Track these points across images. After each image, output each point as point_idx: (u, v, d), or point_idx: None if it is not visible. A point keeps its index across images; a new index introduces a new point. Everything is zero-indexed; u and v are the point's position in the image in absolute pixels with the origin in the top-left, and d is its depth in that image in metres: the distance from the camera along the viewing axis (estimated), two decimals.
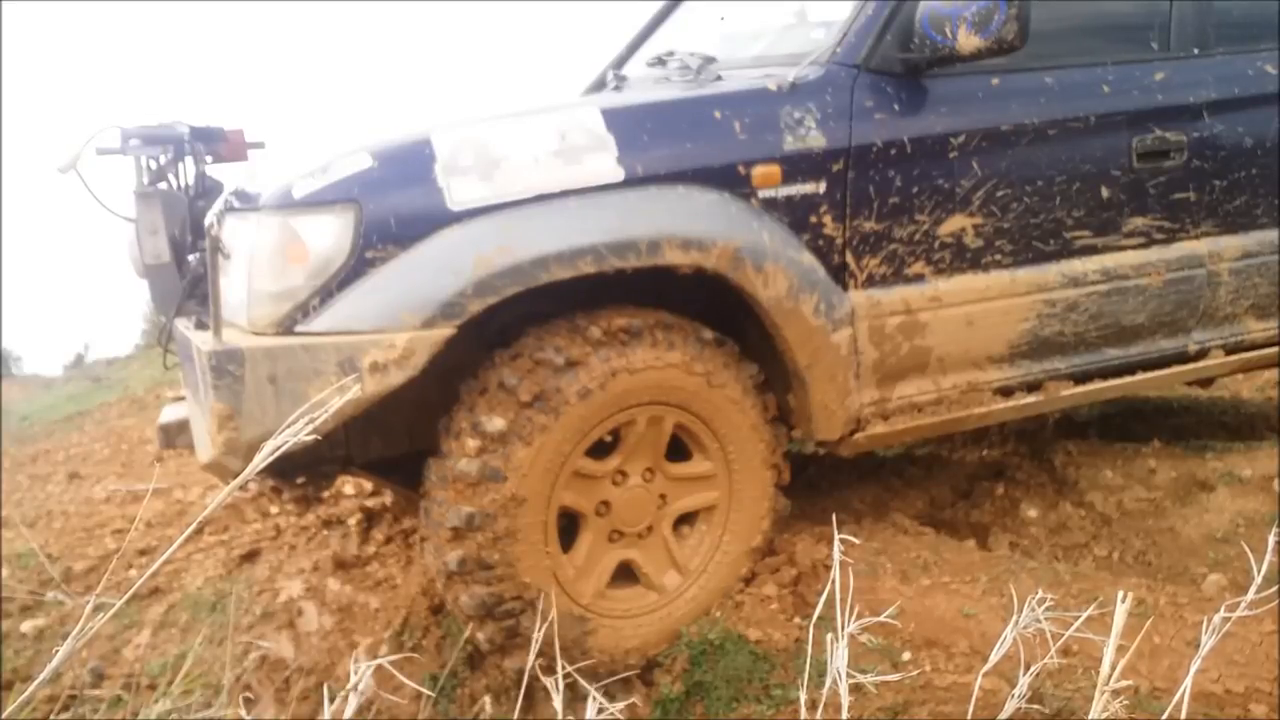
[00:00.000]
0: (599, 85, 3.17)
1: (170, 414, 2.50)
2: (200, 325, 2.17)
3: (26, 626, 2.87)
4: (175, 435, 2.43)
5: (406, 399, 2.00)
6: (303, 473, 2.34)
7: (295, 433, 0.95)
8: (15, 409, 7.42)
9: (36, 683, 0.98)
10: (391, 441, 2.38)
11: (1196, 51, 2.66)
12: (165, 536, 3.41)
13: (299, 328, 1.93)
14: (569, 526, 2.21)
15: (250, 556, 3.13)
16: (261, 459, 0.99)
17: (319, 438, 0.94)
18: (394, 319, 1.90)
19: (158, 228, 2.33)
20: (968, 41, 2.13)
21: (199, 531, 3.30)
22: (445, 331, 1.91)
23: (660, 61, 2.72)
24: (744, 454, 2.25)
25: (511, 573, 2.06)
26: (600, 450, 2.15)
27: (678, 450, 2.26)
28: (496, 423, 2.00)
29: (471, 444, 2.01)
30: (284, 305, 1.94)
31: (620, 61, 3.25)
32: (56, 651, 0.91)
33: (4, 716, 2.13)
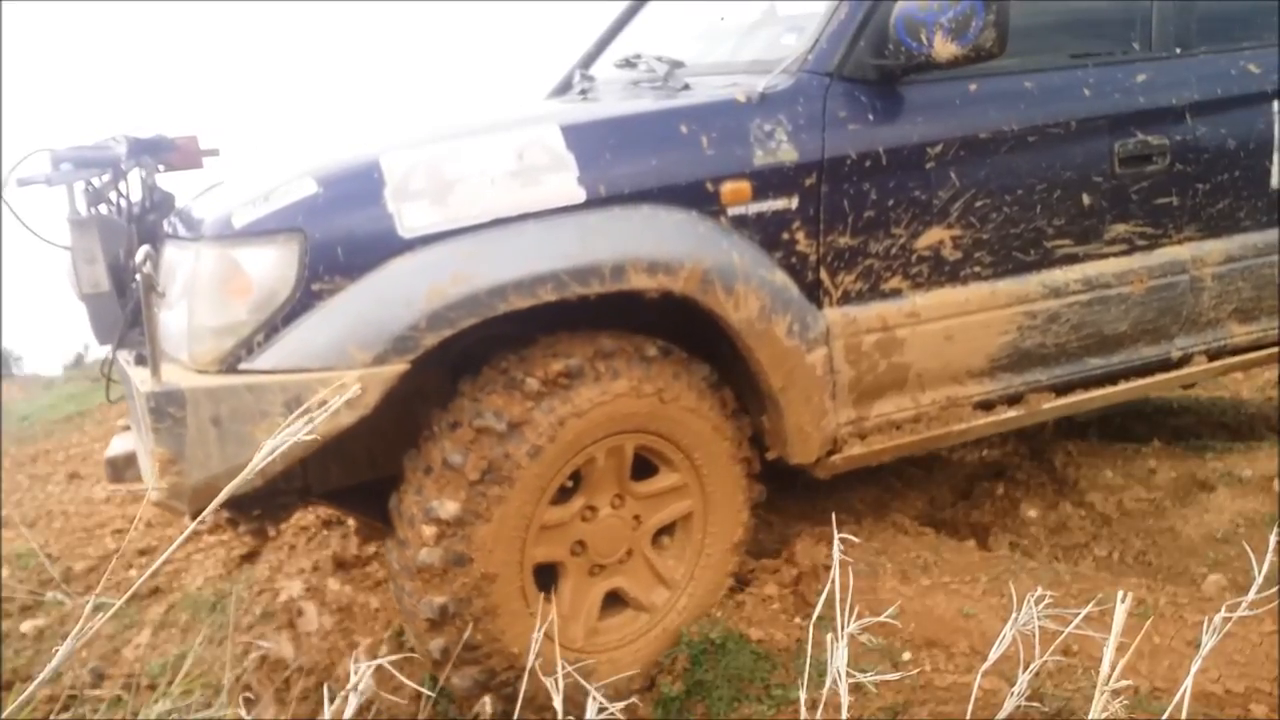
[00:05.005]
0: (565, 87, 3.06)
1: (119, 446, 2.37)
2: (140, 360, 2.03)
3: (26, 626, 2.86)
4: (124, 469, 2.31)
5: (366, 426, 1.89)
6: (258, 506, 2.25)
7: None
8: (15, 409, 7.39)
9: (36, 683, 0.98)
10: (351, 470, 2.29)
11: (1179, 51, 2.59)
12: (165, 536, 3.40)
13: (243, 365, 1.83)
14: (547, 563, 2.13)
15: (250, 556, 3.12)
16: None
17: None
18: (343, 356, 1.80)
19: (95, 256, 2.18)
20: (944, 49, 2.04)
21: (199, 532, 3.30)
22: (398, 368, 1.81)
23: (628, 63, 2.63)
24: (710, 457, 2.17)
25: (498, 647, 2.00)
26: (564, 491, 2.06)
27: (643, 464, 2.17)
28: (450, 507, 1.90)
29: (429, 531, 1.91)
30: (227, 341, 1.84)
31: (588, 60, 3.15)
32: (56, 651, 0.91)
33: (4, 716, 2.13)
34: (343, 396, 1.71)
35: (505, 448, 1.91)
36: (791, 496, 2.40)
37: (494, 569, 1.94)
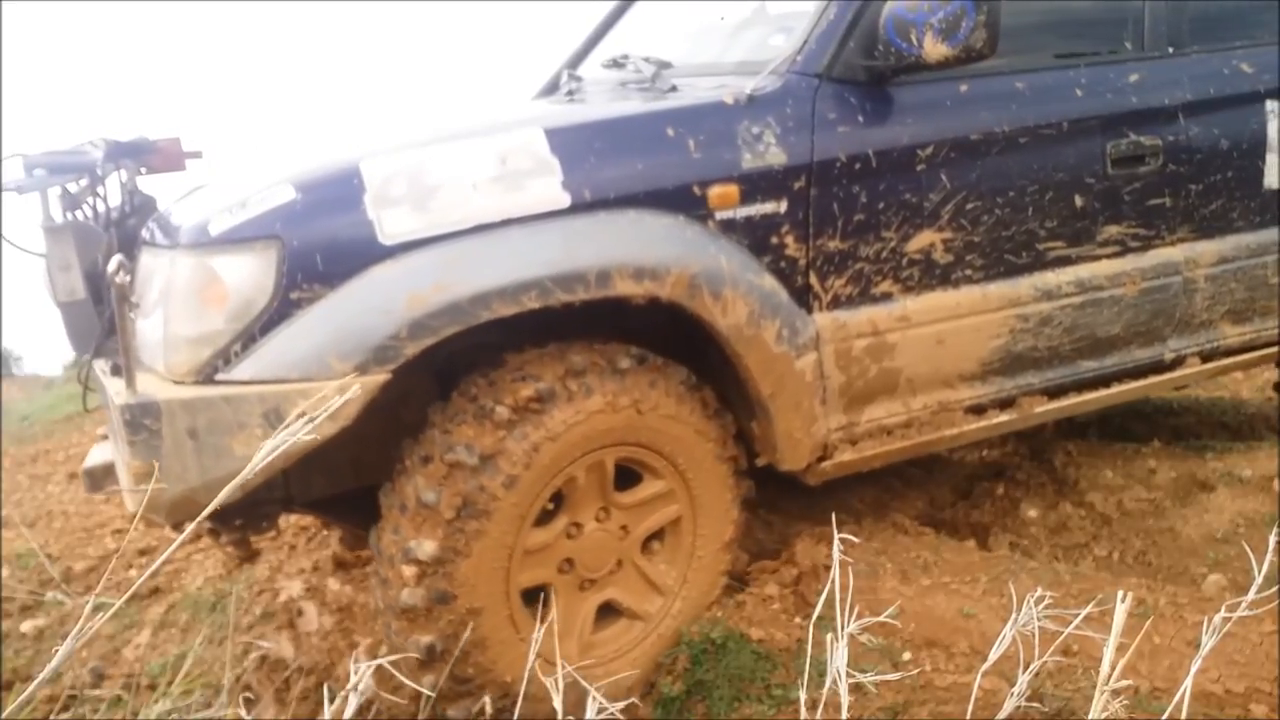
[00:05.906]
0: (552, 87, 3.02)
1: (97, 455, 2.32)
2: (116, 370, 1.99)
3: (26, 626, 2.85)
4: (102, 479, 2.25)
5: (349, 435, 1.84)
6: (240, 516, 2.22)
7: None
8: (15, 409, 7.38)
9: (36, 683, 0.98)
10: (335, 479, 2.26)
11: (1171, 50, 2.57)
12: (165, 537, 3.39)
13: (220, 376, 1.79)
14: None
15: (250, 556, 3.13)
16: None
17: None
18: (323, 366, 1.76)
19: (70, 263, 2.13)
20: (934, 50, 2.01)
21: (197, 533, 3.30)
22: (379, 378, 1.77)
23: (616, 64, 2.60)
24: (694, 460, 2.13)
25: (491, 677, 1.97)
26: (546, 510, 2.02)
27: (627, 470, 2.13)
28: (428, 547, 1.86)
29: (409, 572, 1.88)
30: (203, 351, 1.80)
31: (576, 60, 3.10)
32: (56, 651, 0.91)
33: (4, 716, 2.13)
34: (338, 401, 1.68)
35: (479, 481, 1.86)
36: (791, 496, 2.40)
37: (479, 603, 1.91)
